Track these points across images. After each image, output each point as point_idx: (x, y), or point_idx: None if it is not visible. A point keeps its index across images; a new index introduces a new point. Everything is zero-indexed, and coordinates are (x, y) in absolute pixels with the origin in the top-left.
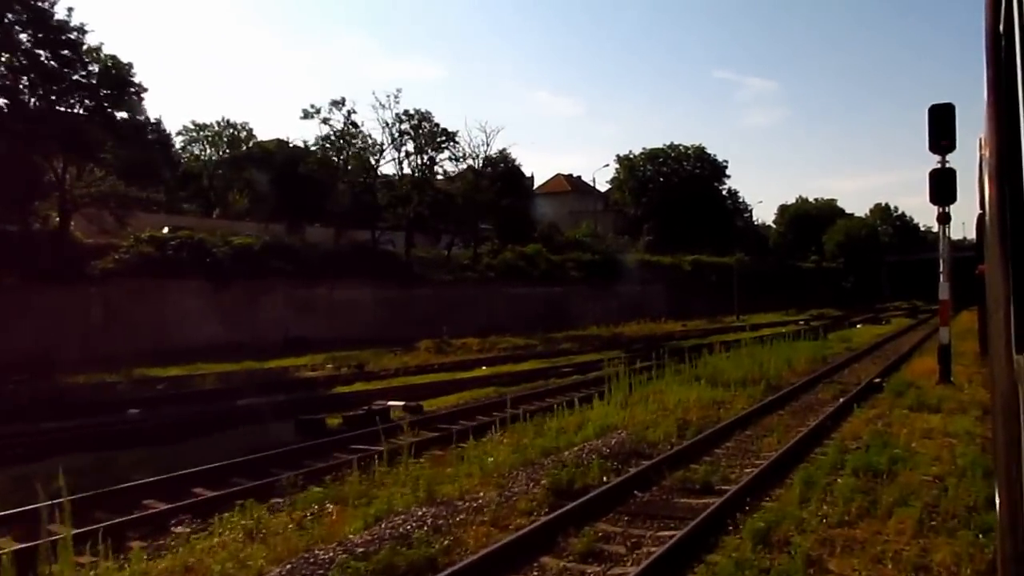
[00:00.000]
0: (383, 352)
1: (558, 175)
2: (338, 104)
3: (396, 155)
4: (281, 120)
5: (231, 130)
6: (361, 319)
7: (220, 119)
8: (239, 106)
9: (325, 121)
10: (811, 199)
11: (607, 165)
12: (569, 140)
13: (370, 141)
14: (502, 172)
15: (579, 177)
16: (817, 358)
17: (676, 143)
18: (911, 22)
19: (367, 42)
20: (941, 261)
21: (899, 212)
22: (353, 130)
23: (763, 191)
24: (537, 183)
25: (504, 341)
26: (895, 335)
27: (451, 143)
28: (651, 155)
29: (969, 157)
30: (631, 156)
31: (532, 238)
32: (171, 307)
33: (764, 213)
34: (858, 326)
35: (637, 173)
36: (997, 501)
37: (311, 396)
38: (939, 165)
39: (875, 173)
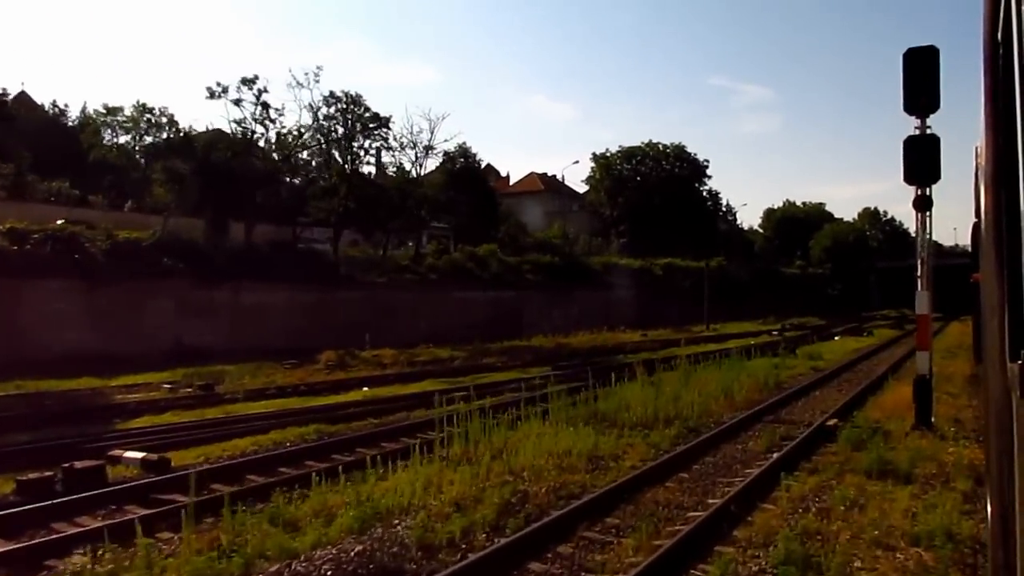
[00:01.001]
0: (270, 366)
1: (532, 174)
2: (249, 82)
3: (321, 141)
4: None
5: (148, 115)
6: (273, 326)
7: (136, 103)
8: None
9: (237, 103)
10: (799, 203)
11: (577, 162)
12: (567, 145)
13: (288, 125)
14: (462, 168)
15: (554, 176)
16: (769, 383)
17: (655, 141)
18: (908, 30)
19: (364, 46)
20: (920, 263)
21: (889, 216)
22: (264, 112)
23: (757, 198)
24: (513, 183)
25: (426, 353)
26: (875, 350)
27: (384, 129)
28: (628, 153)
29: (963, 163)
30: (607, 154)
31: (495, 238)
32: (26, 311)
33: (751, 217)
34: (836, 338)
35: (614, 172)
36: (989, 510)
37: (62, 435)
38: (916, 131)
39: (869, 181)
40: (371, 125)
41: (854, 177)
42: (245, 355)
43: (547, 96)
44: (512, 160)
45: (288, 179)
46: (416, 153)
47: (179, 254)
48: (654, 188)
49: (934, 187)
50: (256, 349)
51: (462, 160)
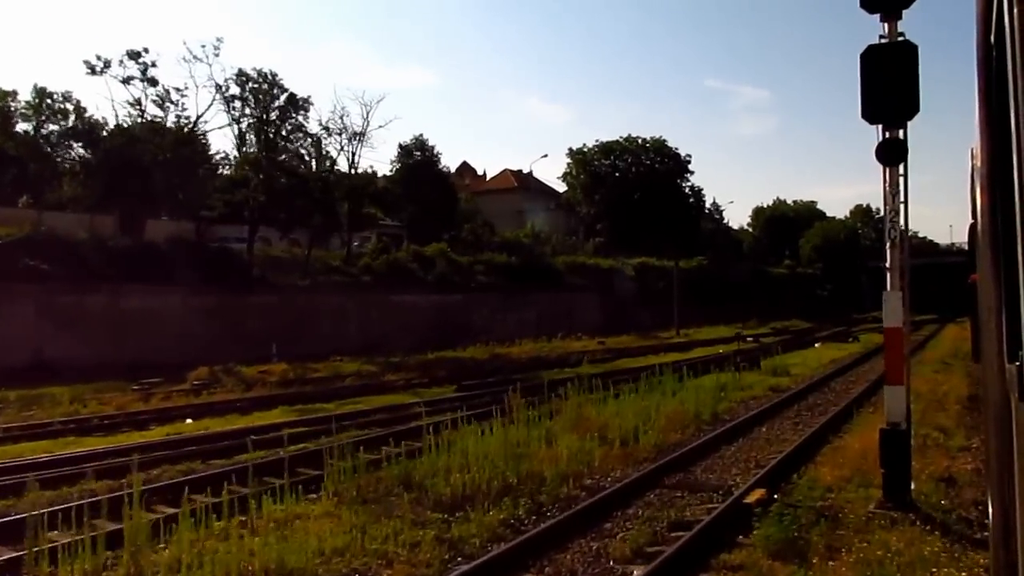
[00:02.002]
0: (118, 386)
1: (506, 170)
2: (135, 56)
3: (232, 125)
4: None
5: (48, 101)
6: (164, 335)
7: (34, 86)
8: None
9: (126, 81)
10: (790, 201)
11: (546, 155)
12: (562, 148)
13: (187, 105)
14: (419, 162)
15: (530, 173)
16: (703, 414)
17: (634, 135)
18: (903, 31)
19: (360, 49)
20: (887, 246)
21: (882, 214)
22: (162, 91)
23: (754, 200)
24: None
25: (329, 367)
26: (856, 361)
27: (301, 113)
28: (605, 148)
29: (959, 167)
30: (584, 149)
31: (457, 237)
32: None
33: (742, 216)
34: (817, 345)
35: (591, 168)
36: (990, 511)
37: None
38: (883, 39)
39: (865, 182)
40: (285, 108)
41: (850, 178)
42: (118, 371)
43: (541, 99)
44: (509, 164)
45: (200, 169)
46: (343, 141)
47: (49, 254)
48: (633, 184)
49: (928, 179)
50: (137, 362)
51: (418, 153)
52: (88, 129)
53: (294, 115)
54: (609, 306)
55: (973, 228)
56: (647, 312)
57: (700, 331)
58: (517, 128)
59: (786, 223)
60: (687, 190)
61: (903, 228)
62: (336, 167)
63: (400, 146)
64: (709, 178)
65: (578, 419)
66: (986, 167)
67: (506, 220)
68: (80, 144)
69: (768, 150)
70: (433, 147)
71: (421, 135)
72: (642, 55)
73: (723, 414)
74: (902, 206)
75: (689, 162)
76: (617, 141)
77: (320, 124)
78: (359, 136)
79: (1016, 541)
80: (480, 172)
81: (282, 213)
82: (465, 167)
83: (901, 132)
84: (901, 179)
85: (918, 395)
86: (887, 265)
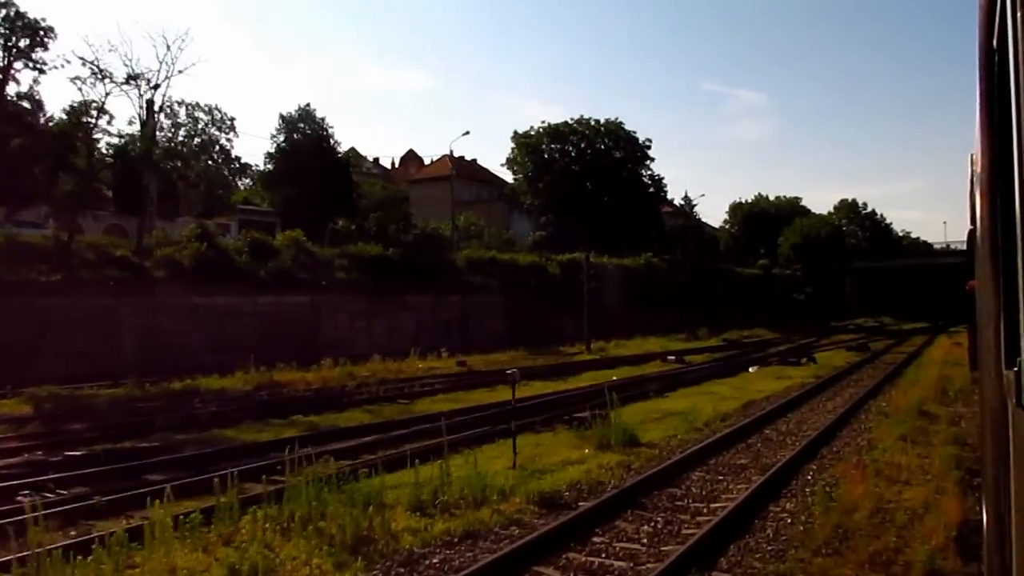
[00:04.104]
0: None
1: (444, 157)
2: None
3: None
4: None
5: None
6: None
7: None
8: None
9: None
10: (771, 197)
11: (467, 133)
12: None
13: None
14: (313, 139)
15: (474, 160)
16: None
17: (586, 116)
18: (902, 35)
19: (359, 51)
20: None
21: (869, 210)
22: None
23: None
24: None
25: None
26: (789, 404)
27: (40, 47)
28: (554, 132)
29: (958, 172)
30: (530, 132)
31: (363, 230)
32: None
33: (720, 213)
34: (751, 369)
35: (539, 154)
36: (984, 517)
37: None
38: None
39: (862, 184)
40: (12, 37)
41: (849, 181)
42: None
43: (539, 101)
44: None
45: None
46: (103, 85)
47: None
48: (583, 172)
49: (925, 183)
50: None
51: (304, 126)
52: None
53: (31, 48)
54: (519, 312)
55: (972, 234)
56: (571, 318)
57: (627, 344)
58: (515, 130)
59: (766, 220)
60: (647, 179)
61: None
62: (110, 122)
63: (282, 117)
64: (707, 179)
65: None
66: (986, 173)
67: (441, 210)
68: None
69: (766, 153)
70: (323, 119)
71: (308, 104)
72: (641, 58)
73: None
74: None
75: (649, 147)
76: (567, 123)
77: (85, 63)
78: (150, 84)
79: (1010, 547)
80: (428, 161)
81: (7, 182)
82: (411, 155)
83: None
84: None
85: (846, 534)
86: None
